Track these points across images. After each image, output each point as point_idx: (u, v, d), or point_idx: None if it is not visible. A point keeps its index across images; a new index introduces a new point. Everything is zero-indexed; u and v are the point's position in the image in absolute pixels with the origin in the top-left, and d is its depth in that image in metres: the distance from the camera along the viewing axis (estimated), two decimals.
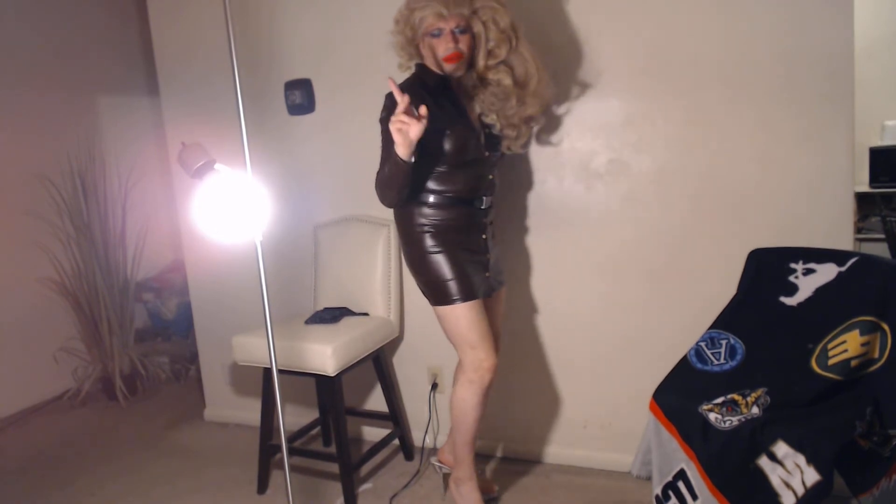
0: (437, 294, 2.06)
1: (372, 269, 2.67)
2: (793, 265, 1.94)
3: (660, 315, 2.37)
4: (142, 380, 3.73)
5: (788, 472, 1.56)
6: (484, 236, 2.12)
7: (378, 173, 1.95)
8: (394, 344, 2.80)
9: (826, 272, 1.88)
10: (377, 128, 2.64)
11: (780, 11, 2.07)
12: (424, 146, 1.89)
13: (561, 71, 2.32)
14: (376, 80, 2.64)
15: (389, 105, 1.89)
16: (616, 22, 2.26)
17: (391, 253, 2.67)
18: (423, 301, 2.68)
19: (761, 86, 2.13)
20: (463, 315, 2.03)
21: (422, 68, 2.04)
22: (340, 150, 2.77)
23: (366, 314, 2.66)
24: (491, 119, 2.08)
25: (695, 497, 1.73)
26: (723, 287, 2.06)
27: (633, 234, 2.37)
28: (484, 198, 2.09)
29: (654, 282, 2.37)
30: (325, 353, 2.33)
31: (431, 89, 2.00)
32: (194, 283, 3.27)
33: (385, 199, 2.00)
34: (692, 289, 2.31)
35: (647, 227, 2.34)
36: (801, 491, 1.54)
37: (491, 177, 2.12)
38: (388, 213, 2.68)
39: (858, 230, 4.04)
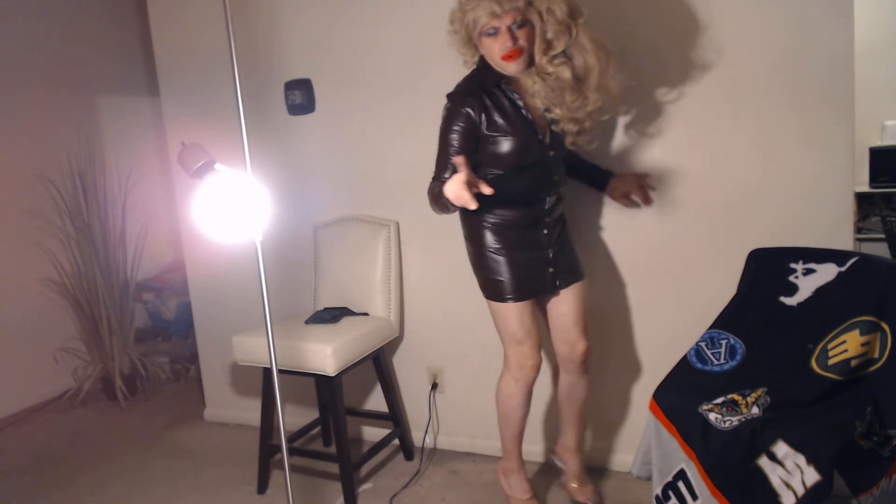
0: (490, 290, 2.07)
1: (372, 269, 2.67)
2: (793, 265, 1.94)
3: (660, 315, 2.38)
4: (142, 380, 3.73)
5: (788, 472, 1.56)
6: (546, 231, 2.05)
7: (432, 182, 1.93)
8: (394, 344, 2.80)
9: (826, 272, 1.87)
10: (376, 127, 2.69)
11: (780, 12, 2.07)
12: (483, 154, 1.93)
13: None
14: (376, 79, 2.66)
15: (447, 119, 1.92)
16: (615, 23, 2.26)
17: (391, 253, 2.67)
18: (424, 301, 2.72)
19: (761, 86, 2.13)
20: (513, 314, 2.05)
21: (483, 65, 1.95)
22: (340, 149, 2.77)
23: (366, 314, 2.66)
24: (556, 114, 1.93)
25: (695, 497, 1.73)
26: (723, 287, 2.06)
27: (632, 234, 2.37)
28: (547, 198, 2.03)
29: (654, 282, 2.37)
30: (325, 353, 2.33)
31: (490, 90, 1.93)
32: (194, 283, 3.27)
33: (434, 210, 2.00)
34: (692, 289, 2.31)
35: (647, 227, 2.34)
36: (801, 491, 1.54)
37: (556, 177, 2.04)
38: (389, 213, 2.71)
39: (858, 230, 4.04)
